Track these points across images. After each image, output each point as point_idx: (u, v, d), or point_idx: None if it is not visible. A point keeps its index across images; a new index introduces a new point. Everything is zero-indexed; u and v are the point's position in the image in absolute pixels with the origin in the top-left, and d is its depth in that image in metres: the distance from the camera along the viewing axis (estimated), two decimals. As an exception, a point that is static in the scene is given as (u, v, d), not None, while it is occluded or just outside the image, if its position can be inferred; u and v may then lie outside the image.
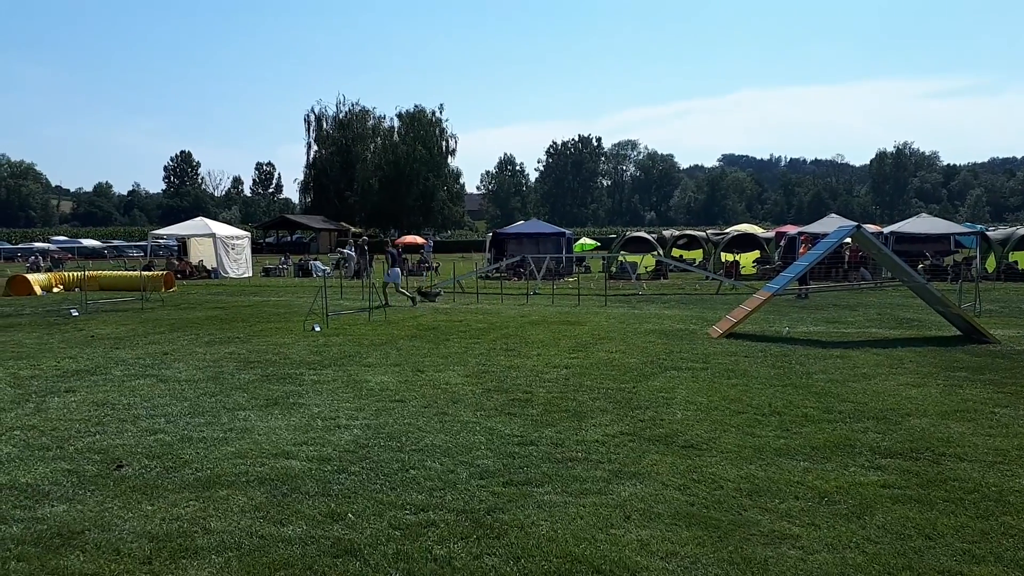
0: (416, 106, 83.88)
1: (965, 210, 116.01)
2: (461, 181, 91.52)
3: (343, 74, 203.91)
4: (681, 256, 32.79)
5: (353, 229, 70.48)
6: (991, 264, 27.07)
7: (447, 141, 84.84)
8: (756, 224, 62.95)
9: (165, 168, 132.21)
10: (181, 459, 5.84)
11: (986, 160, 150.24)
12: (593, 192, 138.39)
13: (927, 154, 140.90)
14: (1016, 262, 26.99)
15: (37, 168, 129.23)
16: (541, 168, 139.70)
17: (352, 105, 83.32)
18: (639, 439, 6.36)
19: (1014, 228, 32.90)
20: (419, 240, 49.45)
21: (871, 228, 29.68)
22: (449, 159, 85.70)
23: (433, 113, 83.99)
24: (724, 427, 6.74)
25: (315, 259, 38.60)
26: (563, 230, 35.12)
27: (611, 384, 8.66)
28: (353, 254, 31.96)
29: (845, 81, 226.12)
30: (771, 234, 33.58)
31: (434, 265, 35.85)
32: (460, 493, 5.06)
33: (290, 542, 4.29)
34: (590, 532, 4.38)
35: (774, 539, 4.29)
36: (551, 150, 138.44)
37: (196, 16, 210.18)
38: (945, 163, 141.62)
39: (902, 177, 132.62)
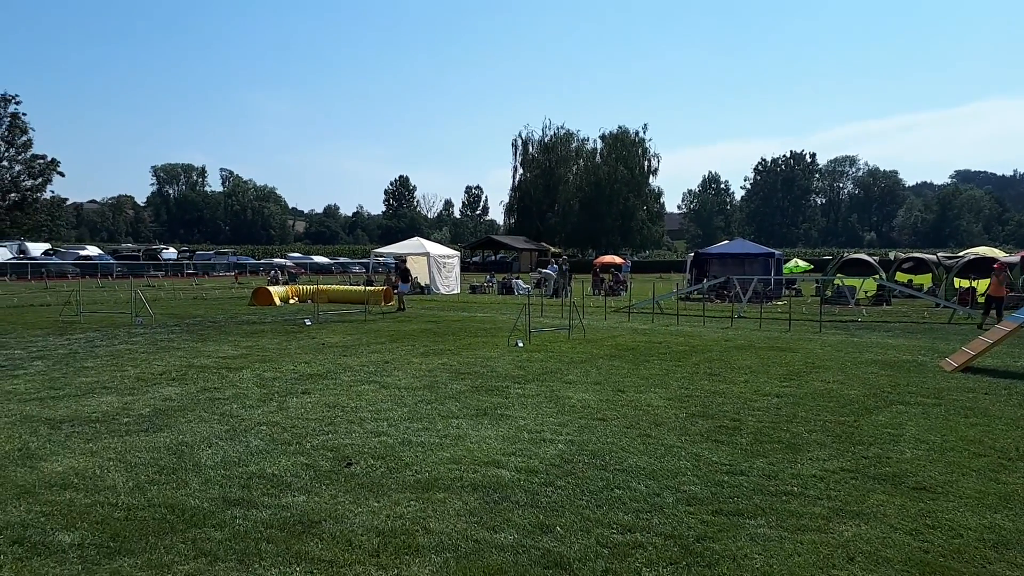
0: (620, 127, 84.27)
1: None
2: (661, 200, 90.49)
3: (550, 99, 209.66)
4: (908, 281, 30.05)
5: (553, 249, 72.00)
6: None
7: (649, 160, 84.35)
8: (997, 247, 56.26)
9: (385, 192, 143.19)
10: (402, 461, 6.27)
11: None
12: (805, 211, 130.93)
13: None
14: None
15: (278, 192, 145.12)
16: (748, 186, 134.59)
17: (557, 129, 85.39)
18: (862, 477, 5.92)
19: None
20: (617, 260, 49.43)
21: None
22: (651, 179, 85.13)
23: (636, 133, 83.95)
24: (962, 470, 6.09)
25: (517, 278, 39.86)
26: (772, 250, 33.51)
27: (828, 416, 8.13)
28: (553, 273, 32.64)
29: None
30: (1016, 258, 29.81)
31: (625, 283, 35.66)
32: (667, 517, 4.99)
33: (503, 549, 4.45)
34: (809, 571, 4.14)
35: (1029, 601, 3.81)
36: (759, 167, 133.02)
37: (411, 48, 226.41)
38: None
39: None
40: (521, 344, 14.10)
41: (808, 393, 9.48)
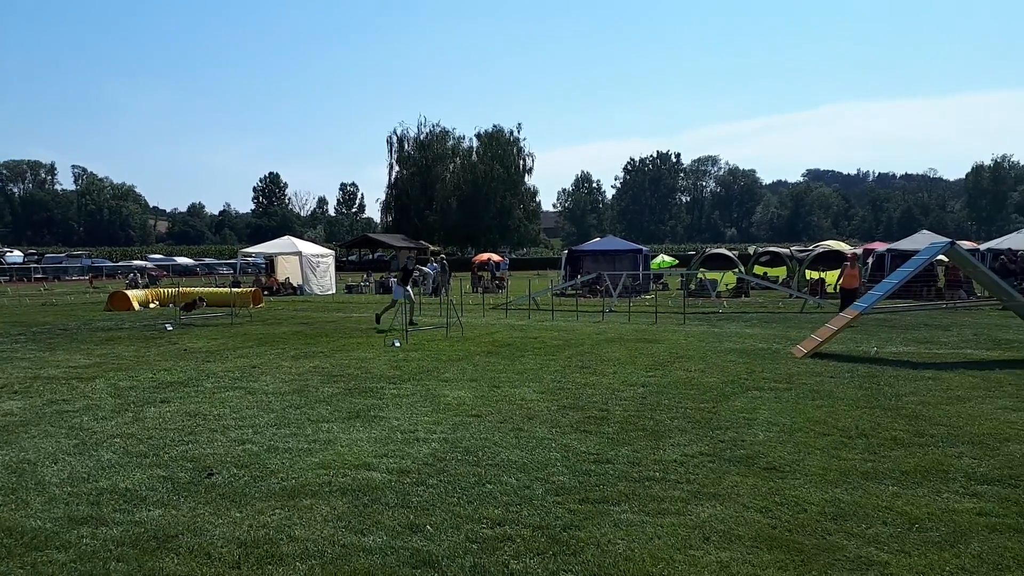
0: (495, 126, 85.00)
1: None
2: (537, 199, 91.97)
3: (425, 96, 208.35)
4: (764, 273, 31.99)
5: (432, 247, 71.73)
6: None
7: (524, 160, 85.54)
8: (843, 241, 60.90)
9: (254, 189, 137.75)
10: (268, 468, 6.06)
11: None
12: (671, 209, 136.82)
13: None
14: None
15: (137, 190, 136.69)
16: (618, 185, 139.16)
17: (433, 126, 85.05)
18: (719, 460, 6.25)
19: None
20: (495, 257, 49.83)
21: (966, 245, 28.32)
22: (526, 178, 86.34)
23: (511, 133, 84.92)
24: (808, 449, 6.55)
25: (395, 277, 39.44)
26: (640, 247, 34.79)
27: (690, 403, 8.53)
28: (430, 271, 32.52)
29: (938, 94, 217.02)
30: (859, 251, 32.40)
31: (503, 280, 36.07)
32: (536, 509, 5.07)
33: (371, 551, 4.39)
34: (668, 552, 4.33)
35: (861, 565, 4.14)
36: (628, 167, 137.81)
37: (283, 42, 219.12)
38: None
39: (1001, 191, 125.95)
40: (398, 344, 13.95)
41: (672, 382, 9.91)
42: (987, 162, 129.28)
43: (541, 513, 4.99)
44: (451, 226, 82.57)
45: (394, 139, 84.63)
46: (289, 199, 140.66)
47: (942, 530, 4.64)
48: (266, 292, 30.53)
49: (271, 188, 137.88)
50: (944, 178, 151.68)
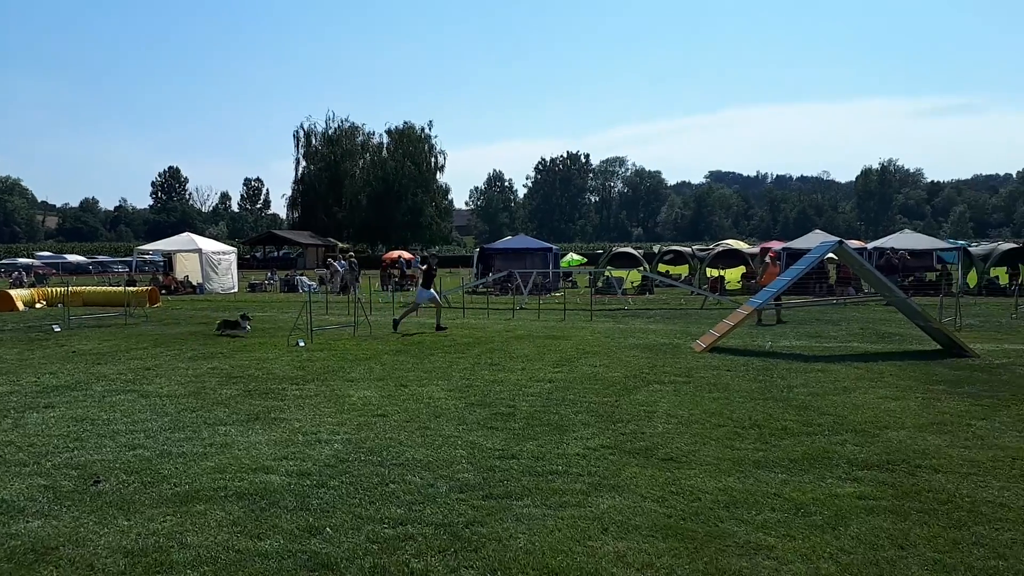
0: (406, 123, 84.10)
1: (948, 226, 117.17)
2: (450, 197, 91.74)
3: (333, 91, 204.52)
4: (667, 271, 32.93)
5: (341, 245, 70.43)
6: (972, 279, 27.35)
7: (436, 157, 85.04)
8: (742, 240, 63.36)
9: (152, 184, 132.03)
10: (160, 474, 5.81)
11: (969, 177, 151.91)
12: (581, 208, 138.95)
13: (911, 171, 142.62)
14: (997, 277, 27.29)
15: (23, 183, 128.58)
16: (530, 184, 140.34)
17: (342, 121, 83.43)
18: (619, 452, 6.39)
19: (995, 244, 33.29)
20: (406, 255, 49.38)
21: (854, 244, 29.94)
22: (438, 175, 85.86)
23: (422, 129, 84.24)
24: (704, 440, 6.78)
25: (301, 274, 38.53)
26: (550, 245, 35.21)
27: (594, 398, 8.69)
28: (340, 268, 31.95)
29: (832, 100, 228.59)
30: (756, 250, 33.79)
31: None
32: (439, 507, 5.06)
33: (266, 556, 4.28)
34: (567, 544, 4.40)
35: (749, 550, 4.32)
36: (540, 166, 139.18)
37: (184, 31, 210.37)
38: (929, 180, 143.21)
39: (887, 193, 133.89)
40: (303, 344, 13.63)
41: (577, 377, 10.08)
42: (875, 166, 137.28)
43: (444, 511, 4.98)
44: (361, 223, 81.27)
45: (301, 133, 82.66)
46: (190, 194, 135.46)
47: (825, 514, 4.89)
48: (164, 291, 29.28)
49: (171, 183, 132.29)
50: (836, 180, 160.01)
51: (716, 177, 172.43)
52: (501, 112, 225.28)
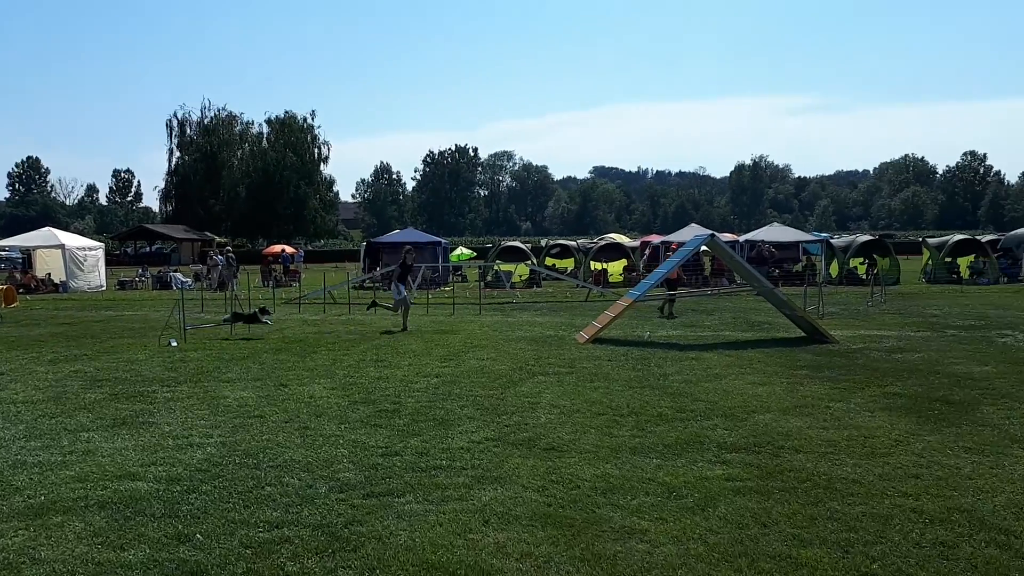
0: (287, 112, 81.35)
1: (814, 219, 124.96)
2: (335, 189, 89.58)
3: (209, 78, 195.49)
4: (554, 265, 33.52)
5: (218, 239, 67.52)
6: (835, 270, 29.29)
7: (320, 148, 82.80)
8: (624, 234, 65.31)
9: (9, 175, 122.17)
10: (12, 486, 5.40)
11: (833, 173, 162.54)
12: (471, 202, 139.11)
13: (781, 167, 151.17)
14: (856, 268, 29.35)
15: None
16: (418, 177, 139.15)
17: (219, 110, 79.85)
18: (503, 444, 6.46)
19: (855, 236, 35.82)
20: (289, 249, 47.99)
21: (727, 237, 31.44)
22: (322, 167, 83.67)
23: (305, 119, 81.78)
24: (585, 429, 6.95)
25: (175, 271, 36.70)
26: (439, 239, 35.08)
27: (480, 391, 8.74)
28: (220, 263, 30.64)
29: (707, 97, 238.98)
30: (637, 243, 34.95)
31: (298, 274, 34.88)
32: (318, 508, 4.95)
33: (130, 567, 4.06)
34: (448, 538, 4.41)
35: (624, 534, 4.47)
36: (428, 159, 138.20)
37: (43, 9, 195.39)
38: (797, 176, 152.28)
39: (758, 188, 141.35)
40: (175, 343, 12.99)
41: (464, 371, 10.10)
42: (748, 162, 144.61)
43: (323, 511, 4.88)
44: (240, 216, 78.12)
45: (175, 123, 78.56)
46: (52, 186, 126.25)
47: (695, 496, 5.12)
48: (21, 290, 27.16)
49: (30, 174, 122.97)
50: (712, 176, 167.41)
51: (600, 172, 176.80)
52: (388, 103, 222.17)
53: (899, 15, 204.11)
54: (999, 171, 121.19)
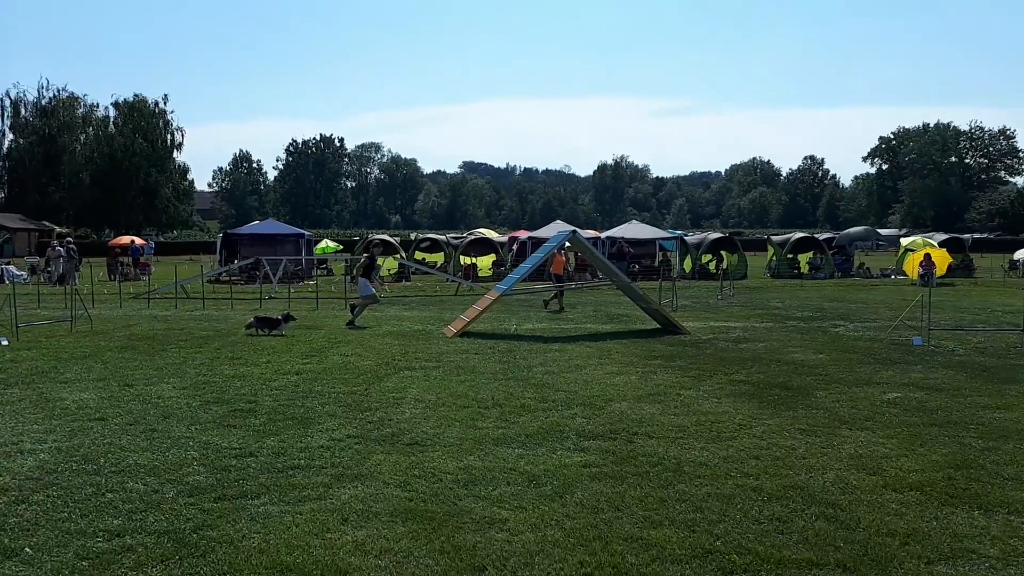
0: (136, 95, 76.15)
1: (670, 217, 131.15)
2: (190, 178, 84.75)
3: (47, 56, 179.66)
4: (424, 259, 33.36)
5: (59, 229, 62.38)
6: (688, 265, 30.88)
7: (173, 134, 78.10)
8: (493, 229, 65.94)
9: None
10: None
11: (688, 174, 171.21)
12: (337, 193, 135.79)
13: (640, 167, 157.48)
14: (708, 263, 31.05)
15: None
16: (281, 167, 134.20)
17: (58, 91, 73.63)
18: (365, 441, 6.36)
19: (707, 234, 37.92)
20: (139, 241, 45.06)
21: (590, 233, 32.43)
22: (175, 154, 79.05)
23: (156, 104, 76.93)
24: (449, 422, 6.97)
25: (8, 263, 33.61)
26: (303, 231, 34.06)
27: (343, 388, 8.56)
28: (60, 255, 28.31)
29: (572, 96, 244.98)
30: (506, 238, 35.40)
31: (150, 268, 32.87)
32: (164, 513, 4.69)
33: (-57, 590, 3.69)
34: (304, 539, 4.29)
35: (484, 525, 4.52)
36: (291, 148, 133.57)
37: None
38: (655, 176, 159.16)
39: (619, 187, 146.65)
40: (6, 342, 11.89)
41: (327, 368, 9.86)
42: (610, 161, 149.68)
43: (170, 517, 4.62)
44: (83, 205, 72.48)
45: (7, 103, 71.77)
46: None
47: (554, 484, 5.25)
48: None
49: None
50: (577, 174, 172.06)
51: (469, 167, 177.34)
52: (247, 89, 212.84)
53: (748, 27, 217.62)
54: (835, 175, 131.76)
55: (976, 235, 52.36)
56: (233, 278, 26.70)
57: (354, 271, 16.46)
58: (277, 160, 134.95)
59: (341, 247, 44.70)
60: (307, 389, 8.50)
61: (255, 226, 35.96)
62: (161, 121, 77.36)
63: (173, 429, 6.72)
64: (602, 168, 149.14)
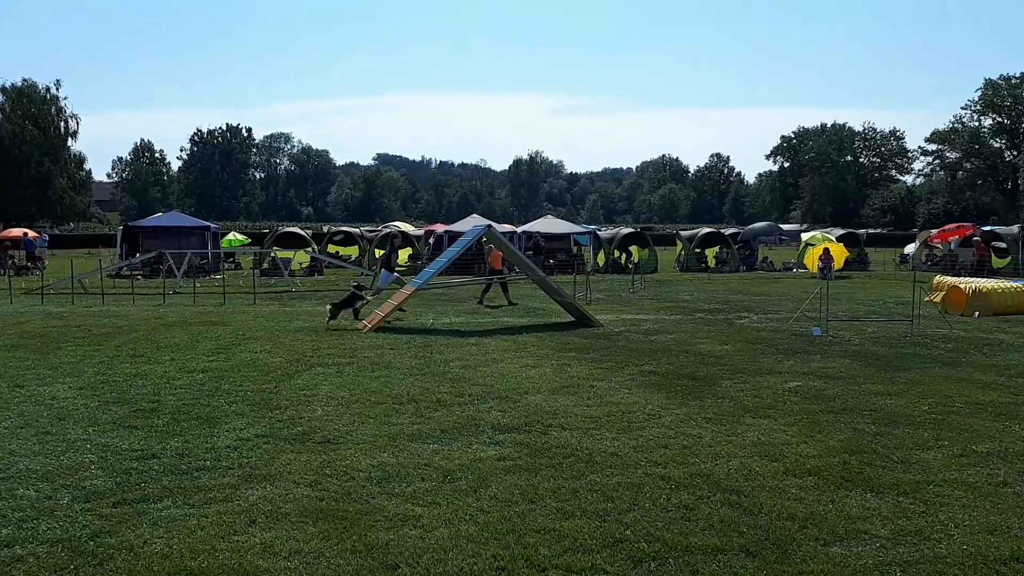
0: (25, 80, 71.68)
1: (584, 213, 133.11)
2: (86, 168, 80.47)
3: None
4: (337, 252, 32.73)
5: (-61, 221, 58.14)
6: (601, 259, 31.41)
7: (67, 122, 73.91)
8: (409, 222, 65.34)
9: None
10: None
11: (601, 170, 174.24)
12: (245, 185, 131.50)
13: (555, 163, 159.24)
14: (620, 257, 31.66)
15: None
16: (185, 157, 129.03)
17: (-65, 72, 68.61)
18: (275, 439, 6.20)
19: (619, 229, 38.68)
20: (32, 233, 42.47)
21: (506, 227, 32.57)
22: (70, 142, 74.86)
23: (48, 89, 72.63)
24: (363, 419, 6.87)
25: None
26: (209, 223, 32.89)
27: (251, 385, 8.32)
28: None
29: (486, 92, 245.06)
30: (422, 232, 35.13)
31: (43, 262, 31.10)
32: (58, 521, 4.45)
33: None
34: (210, 542, 4.15)
35: (397, 522, 4.48)
36: (196, 138, 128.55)
37: None
38: (569, 171, 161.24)
39: (535, 182, 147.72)
40: None
41: (235, 365, 9.57)
42: (525, 156, 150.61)
43: (64, 524, 4.39)
44: (-33, 195, 67.90)
45: None
46: None
47: (469, 478, 5.26)
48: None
49: None
50: (493, 168, 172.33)
51: (384, 160, 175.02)
52: (149, 76, 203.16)
53: (656, 29, 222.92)
54: (740, 172, 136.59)
55: (870, 230, 55.34)
56: (134, 272, 25.53)
57: (377, 263, 17.05)
58: (181, 150, 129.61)
59: (249, 240, 43.35)
60: (213, 387, 8.22)
61: (158, 218, 34.55)
62: (54, 108, 73.16)
63: (69, 431, 6.38)
64: (517, 163, 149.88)
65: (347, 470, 5.40)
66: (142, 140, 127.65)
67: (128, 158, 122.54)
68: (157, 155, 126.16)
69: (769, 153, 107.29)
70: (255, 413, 7.09)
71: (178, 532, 4.29)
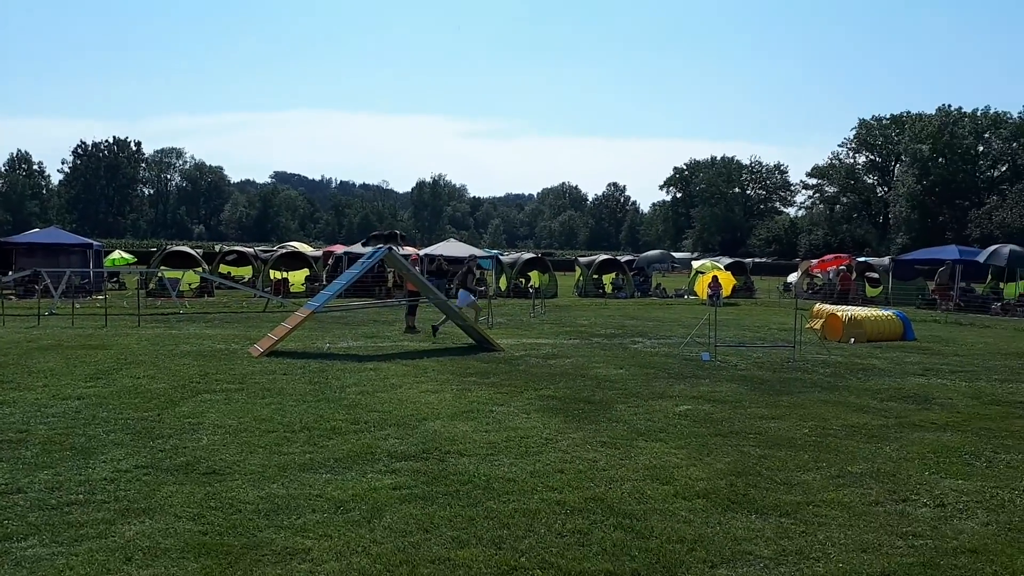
0: None
1: (488, 237, 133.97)
2: (-46, 178, 74.94)
3: None
4: (229, 273, 31.57)
5: None
6: (503, 284, 31.63)
7: (-68, 127, 68.79)
8: (308, 242, 63.86)
9: None
10: None
11: (503, 195, 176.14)
12: (133, 201, 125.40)
13: (458, 186, 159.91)
14: (521, 282, 31.98)
15: None
16: (67, 170, 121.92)
17: None
18: (156, 471, 5.88)
19: (520, 254, 39.10)
20: None
21: (409, 250, 32.32)
22: (-65, 150, 69.57)
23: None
24: (252, 448, 6.61)
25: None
26: (91, 241, 31.10)
27: (132, 413, 7.88)
28: None
29: (387, 113, 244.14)
30: (320, 253, 34.40)
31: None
32: (-97, 566, 4.06)
33: None
34: (80, 584, 3.88)
35: (285, 556, 4.32)
36: (79, 150, 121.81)
37: None
38: (472, 195, 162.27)
39: (438, 205, 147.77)
40: None
41: (114, 391, 9.04)
42: (428, 179, 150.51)
43: (-90, 570, 4.01)
44: None
45: None
46: None
47: (363, 508, 5.14)
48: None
49: None
50: (395, 190, 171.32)
51: (281, 178, 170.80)
52: (25, 81, 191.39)
53: (558, 57, 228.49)
54: (635, 201, 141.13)
55: (756, 260, 58.21)
56: (7, 292, 23.80)
57: (454, 283, 17.93)
58: (63, 163, 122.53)
59: (136, 259, 41.29)
60: (90, 415, 7.73)
61: (35, 234, 32.41)
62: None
63: (-81, 467, 5.85)
64: (421, 185, 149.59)
65: (233, 502, 5.18)
66: (19, 151, 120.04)
67: (2, 169, 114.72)
68: (36, 167, 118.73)
69: (663, 183, 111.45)
70: (135, 443, 6.71)
71: (44, 572, 3.99)
